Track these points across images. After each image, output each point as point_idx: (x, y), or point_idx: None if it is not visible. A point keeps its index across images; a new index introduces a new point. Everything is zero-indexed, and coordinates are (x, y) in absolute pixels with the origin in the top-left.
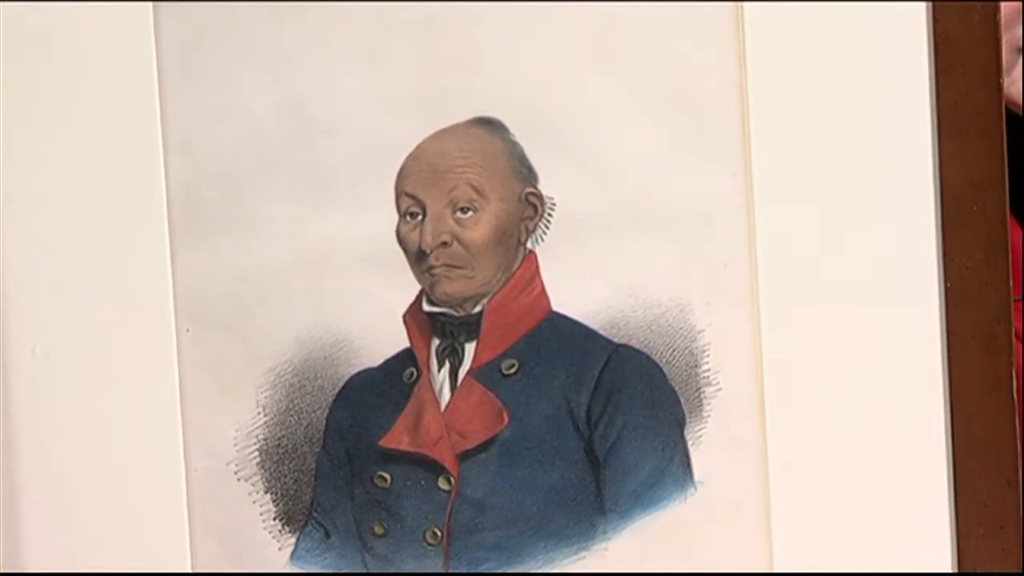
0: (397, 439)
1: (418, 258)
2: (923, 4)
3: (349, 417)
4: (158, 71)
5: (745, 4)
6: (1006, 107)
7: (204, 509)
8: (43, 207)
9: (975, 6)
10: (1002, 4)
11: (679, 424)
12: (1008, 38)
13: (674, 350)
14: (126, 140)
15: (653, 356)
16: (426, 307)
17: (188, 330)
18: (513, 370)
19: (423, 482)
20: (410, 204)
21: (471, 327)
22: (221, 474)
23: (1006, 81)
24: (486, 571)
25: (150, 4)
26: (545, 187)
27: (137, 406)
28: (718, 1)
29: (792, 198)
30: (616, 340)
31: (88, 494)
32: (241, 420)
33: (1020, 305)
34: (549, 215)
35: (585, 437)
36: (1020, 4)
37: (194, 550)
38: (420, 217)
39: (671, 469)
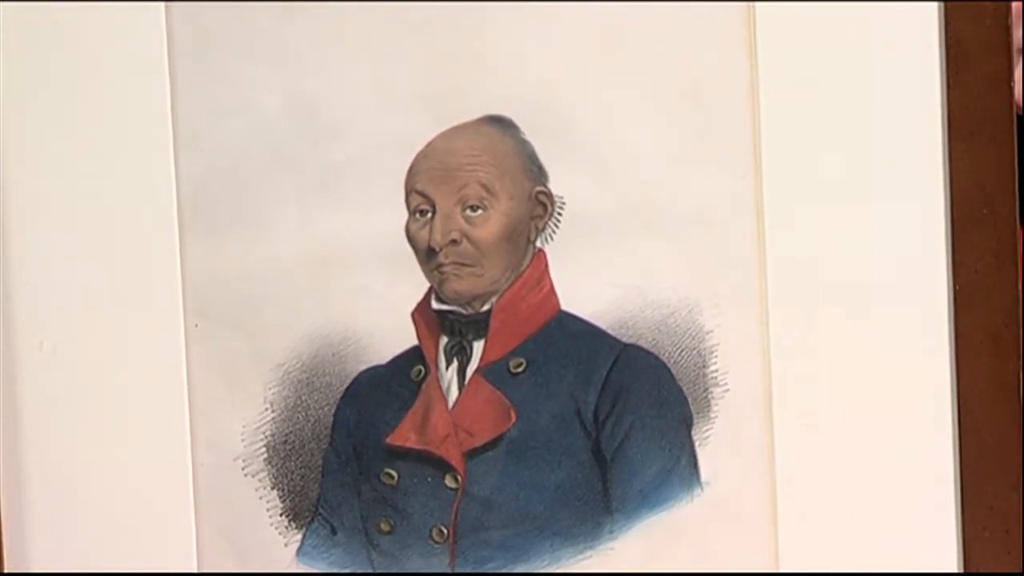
0: (404, 436)
1: (427, 256)
2: (935, 6)
3: (356, 414)
4: (169, 68)
5: (757, 5)
6: None
7: (210, 504)
8: (53, 203)
9: (987, 9)
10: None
11: (686, 424)
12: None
13: (682, 350)
14: (137, 136)
15: (661, 356)
16: (435, 305)
17: (196, 326)
18: (521, 369)
19: (430, 480)
20: (420, 202)
21: (479, 325)
22: (228, 470)
23: None
24: (492, 570)
25: (162, 3)
26: (555, 186)
27: (144, 401)
28: (730, 0)
29: (802, 199)
30: (624, 340)
31: (95, 489)
32: (248, 416)
33: None
34: (559, 214)
35: (592, 436)
36: (1020, 4)
37: (200, 545)
38: (430, 215)
39: (678, 469)
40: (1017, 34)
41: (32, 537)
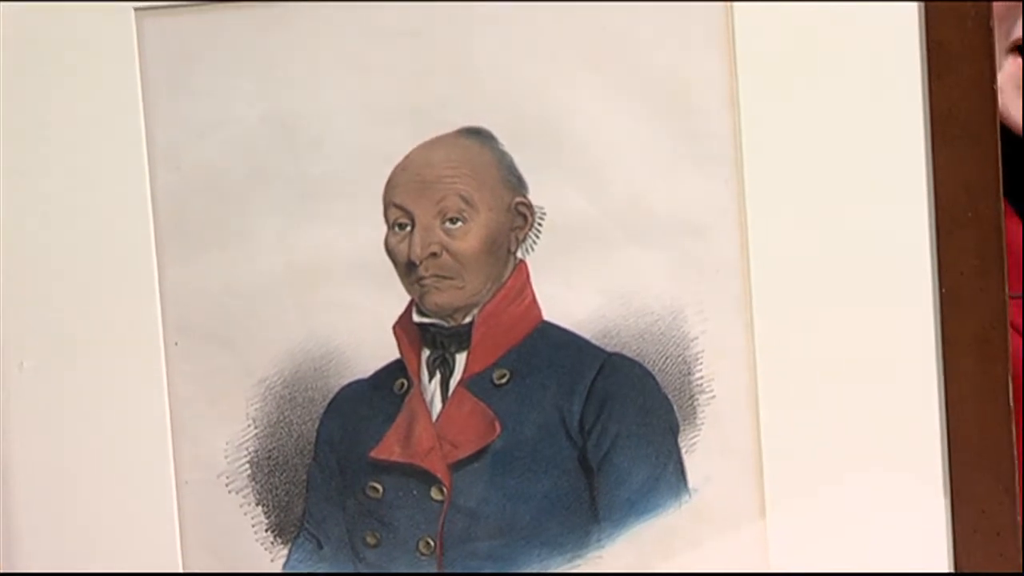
0: (389, 450)
1: (407, 269)
2: (915, 7)
3: (340, 428)
4: (143, 83)
5: (736, 7)
6: None
7: (195, 522)
8: (29, 221)
9: (968, 11)
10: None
11: (673, 432)
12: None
13: (667, 358)
14: (112, 153)
15: (646, 364)
16: (416, 318)
17: (177, 343)
18: (504, 380)
19: (415, 492)
20: (399, 215)
21: (462, 337)
22: (212, 486)
23: None
24: None
25: (133, 16)
26: (535, 196)
27: (127, 420)
28: (709, 1)
29: (785, 205)
30: (608, 349)
31: (79, 508)
32: (231, 432)
33: (1016, 302)
34: (539, 224)
35: (578, 446)
36: (1017, 3)
37: (186, 563)
38: (409, 228)
39: (665, 477)
40: (1012, 30)
41: (17, 557)
